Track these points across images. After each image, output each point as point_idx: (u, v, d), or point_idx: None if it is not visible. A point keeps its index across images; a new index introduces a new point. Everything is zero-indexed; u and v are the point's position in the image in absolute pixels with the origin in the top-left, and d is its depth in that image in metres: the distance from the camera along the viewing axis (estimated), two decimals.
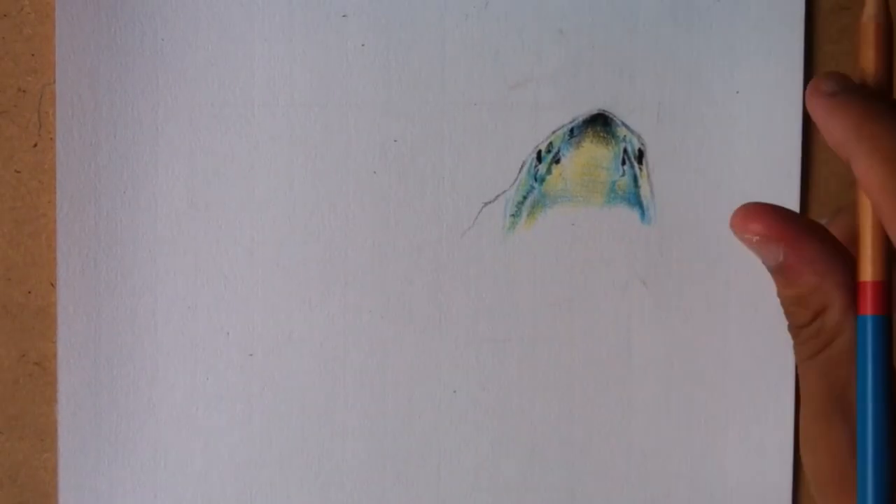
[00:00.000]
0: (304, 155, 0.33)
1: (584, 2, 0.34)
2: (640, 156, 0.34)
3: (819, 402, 0.28)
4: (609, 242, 0.34)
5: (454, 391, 0.34)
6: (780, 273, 0.28)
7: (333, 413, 0.34)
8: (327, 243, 0.34)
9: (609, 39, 0.34)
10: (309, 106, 0.33)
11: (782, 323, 0.28)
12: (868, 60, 0.27)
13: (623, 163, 0.34)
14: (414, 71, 0.34)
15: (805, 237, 0.27)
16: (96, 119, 0.33)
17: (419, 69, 0.34)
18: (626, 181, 0.34)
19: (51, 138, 0.33)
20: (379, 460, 0.34)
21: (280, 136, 0.33)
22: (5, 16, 0.33)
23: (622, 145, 0.34)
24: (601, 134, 0.34)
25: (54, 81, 0.33)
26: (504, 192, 0.34)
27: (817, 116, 0.27)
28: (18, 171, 0.33)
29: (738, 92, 0.34)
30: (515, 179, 0.34)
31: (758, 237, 0.28)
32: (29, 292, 0.33)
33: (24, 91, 0.33)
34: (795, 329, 0.28)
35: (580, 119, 0.34)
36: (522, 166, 0.34)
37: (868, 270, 0.26)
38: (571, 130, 0.34)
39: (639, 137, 0.34)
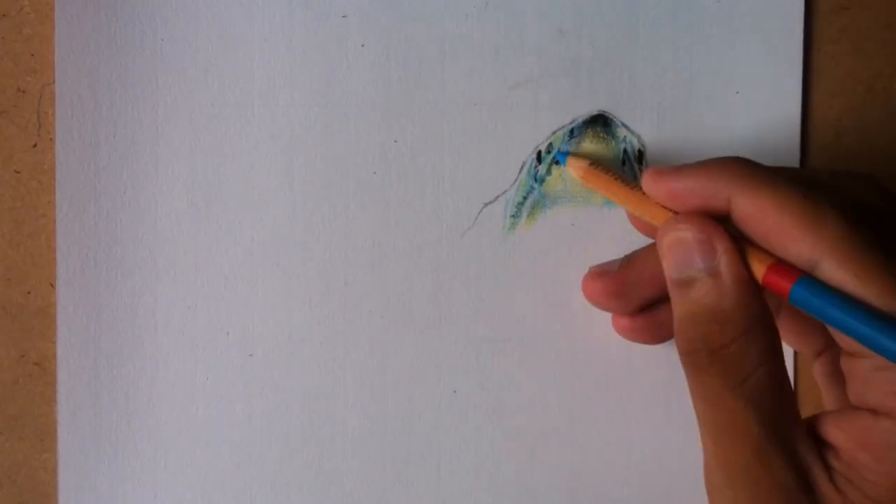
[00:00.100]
0: (304, 155, 0.33)
1: (584, 2, 0.34)
2: (640, 156, 0.34)
3: (755, 437, 0.26)
4: (609, 242, 0.34)
5: (454, 391, 0.34)
6: (688, 284, 0.27)
7: (333, 413, 0.34)
8: (327, 243, 0.34)
9: (609, 39, 0.34)
10: (309, 106, 0.33)
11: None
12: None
13: (623, 163, 0.34)
14: (414, 71, 0.34)
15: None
16: (96, 119, 0.33)
17: (419, 69, 0.34)
18: None
19: (50, 138, 0.33)
20: (379, 460, 0.34)
21: (280, 136, 0.33)
22: (5, 16, 0.33)
23: (622, 146, 0.34)
24: (601, 134, 0.34)
25: (54, 81, 0.33)
26: (504, 192, 0.34)
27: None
28: (18, 172, 0.33)
29: (738, 92, 0.34)
30: (515, 180, 0.34)
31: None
32: (29, 292, 0.33)
33: (23, 91, 0.33)
34: (710, 354, 0.26)
35: (580, 119, 0.34)
36: (522, 167, 0.34)
37: (763, 258, 0.26)
38: (571, 131, 0.34)
39: (639, 138, 0.34)
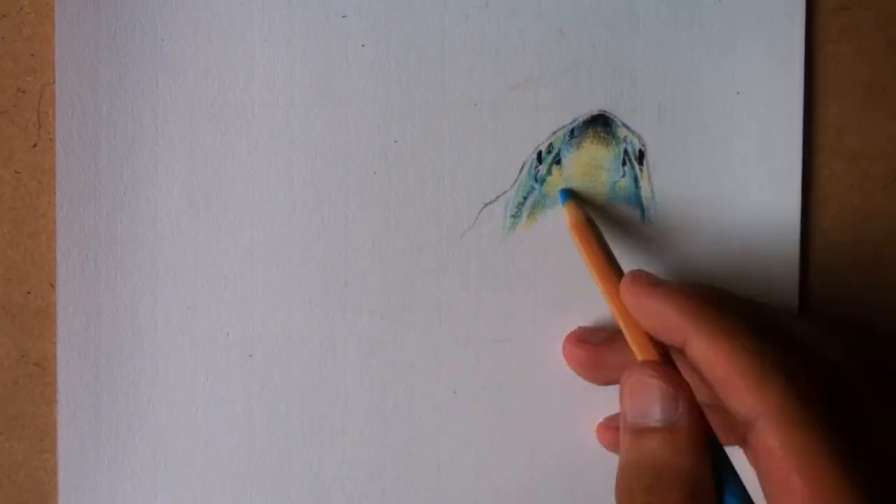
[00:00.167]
0: (304, 155, 0.33)
1: (585, 2, 0.34)
2: (641, 156, 0.34)
3: (701, 482, 0.26)
4: (609, 242, 0.34)
5: (454, 391, 0.34)
6: (644, 434, 0.27)
7: (333, 413, 0.34)
8: (327, 243, 0.34)
9: (609, 39, 0.34)
10: (309, 106, 0.33)
11: None
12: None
13: (623, 163, 0.34)
14: (414, 71, 0.34)
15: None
16: (96, 119, 0.33)
17: (419, 69, 0.34)
18: (626, 182, 0.34)
19: (50, 139, 0.33)
20: (379, 460, 0.34)
21: (280, 136, 0.33)
22: (5, 16, 0.33)
23: (622, 146, 0.34)
24: (601, 134, 0.34)
25: (54, 81, 0.33)
26: (504, 192, 0.34)
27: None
28: (18, 172, 0.33)
29: (738, 92, 0.34)
30: (516, 180, 0.34)
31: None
32: (28, 292, 0.33)
33: (23, 91, 0.33)
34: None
35: (580, 119, 0.34)
36: (523, 167, 0.34)
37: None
38: (572, 131, 0.34)
39: (639, 138, 0.34)
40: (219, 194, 0.33)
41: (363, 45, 0.33)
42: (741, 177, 0.34)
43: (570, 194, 0.33)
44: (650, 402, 0.27)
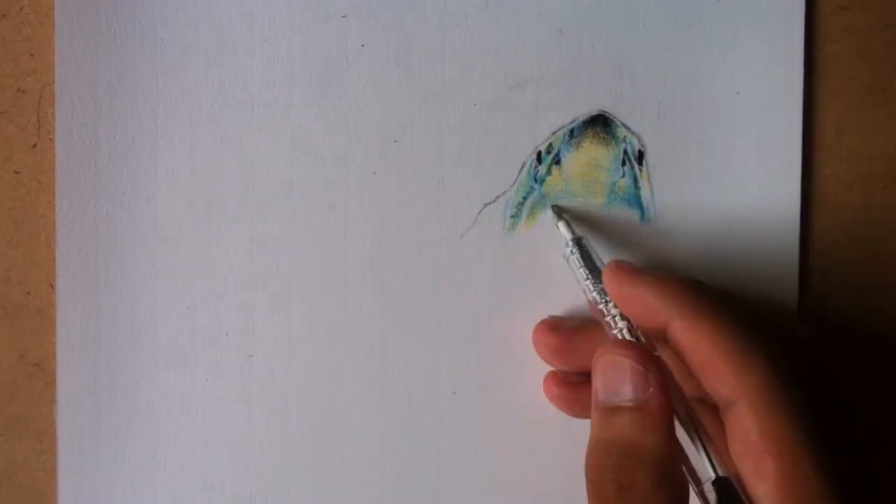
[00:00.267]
0: (304, 155, 0.33)
1: (584, 2, 0.34)
2: (641, 156, 0.34)
3: (670, 461, 0.26)
4: (609, 243, 0.34)
5: (454, 392, 0.34)
6: (614, 412, 0.27)
7: (333, 413, 0.34)
8: (327, 243, 0.34)
9: (609, 39, 0.34)
10: (309, 106, 0.33)
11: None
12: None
13: (623, 163, 0.34)
14: (414, 71, 0.34)
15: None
16: (96, 119, 0.33)
17: (419, 69, 0.34)
18: (626, 182, 0.34)
19: (50, 139, 0.33)
20: (379, 460, 0.34)
21: (280, 136, 0.33)
22: (5, 16, 0.33)
23: (622, 146, 0.34)
24: (601, 134, 0.34)
25: (54, 82, 0.33)
26: (504, 192, 0.34)
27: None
28: (18, 172, 0.33)
29: (738, 92, 0.34)
30: (515, 180, 0.34)
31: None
32: (28, 293, 0.33)
33: (23, 91, 0.33)
34: (619, 488, 0.26)
35: (580, 119, 0.34)
36: (522, 167, 0.34)
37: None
38: (571, 131, 0.34)
39: (639, 138, 0.34)
40: (219, 194, 0.33)
41: (363, 45, 0.33)
42: (741, 177, 0.34)
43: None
44: (621, 380, 0.27)
